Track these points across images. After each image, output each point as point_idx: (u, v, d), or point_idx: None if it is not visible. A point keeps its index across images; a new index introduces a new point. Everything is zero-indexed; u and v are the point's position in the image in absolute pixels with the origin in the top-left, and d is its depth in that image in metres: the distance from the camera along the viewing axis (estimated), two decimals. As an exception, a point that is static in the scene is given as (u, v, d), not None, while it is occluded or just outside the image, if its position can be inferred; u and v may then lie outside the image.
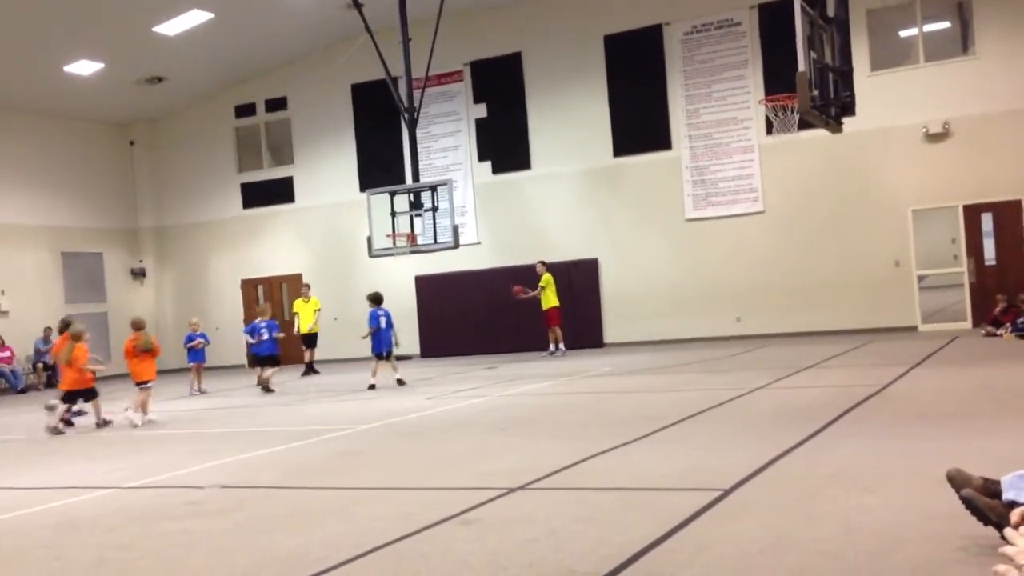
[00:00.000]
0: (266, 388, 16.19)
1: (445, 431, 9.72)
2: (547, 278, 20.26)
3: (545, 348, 20.31)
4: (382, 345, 15.73)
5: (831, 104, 13.05)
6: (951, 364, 12.64)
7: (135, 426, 12.33)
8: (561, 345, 20.12)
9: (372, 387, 15.21)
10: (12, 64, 21.64)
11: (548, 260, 20.77)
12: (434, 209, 18.71)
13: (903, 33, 20.36)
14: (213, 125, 26.36)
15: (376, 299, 16.03)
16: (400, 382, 15.44)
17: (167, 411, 14.63)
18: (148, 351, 13.18)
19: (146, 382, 13.02)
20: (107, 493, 7.45)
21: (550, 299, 20.20)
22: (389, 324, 15.91)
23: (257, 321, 17.01)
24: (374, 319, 15.70)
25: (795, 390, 10.91)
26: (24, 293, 23.89)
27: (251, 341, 17.12)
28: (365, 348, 18.99)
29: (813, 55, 12.41)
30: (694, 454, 7.15)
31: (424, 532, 5.27)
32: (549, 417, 10.23)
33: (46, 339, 23.29)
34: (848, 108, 13.45)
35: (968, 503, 4.16)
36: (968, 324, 18.84)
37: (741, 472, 6.15)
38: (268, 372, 16.33)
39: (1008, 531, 1.98)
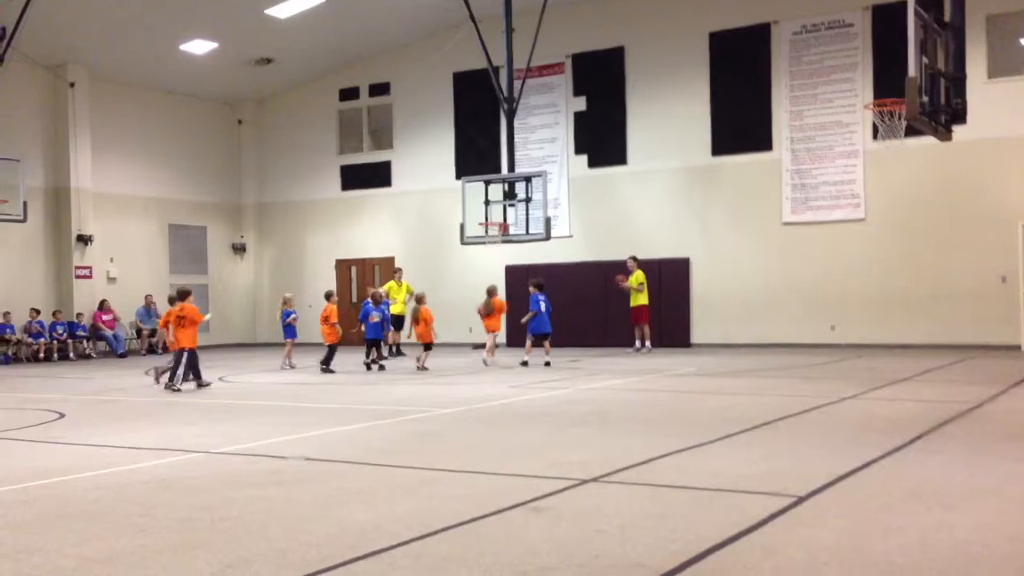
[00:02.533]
0: (377, 364, 17.02)
1: (524, 420, 9.80)
2: (640, 276, 20.12)
3: (631, 345, 20.21)
4: (541, 326, 17.21)
5: (941, 111, 12.64)
6: (1053, 386, 12.14)
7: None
8: (648, 343, 20.00)
9: (525, 363, 16.85)
10: (129, 40, 22.52)
11: (640, 257, 20.63)
12: (528, 200, 18.81)
13: (1024, 40, 19.57)
14: (317, 107, 26.95)
15: (539, 285, 17.68)
16: (547, 364, 16.75)
17: (260, 383, 15.06)
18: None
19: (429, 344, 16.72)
20: (197, 456, 7.75)
21: (640, 296, 20.08)
22: (549, 308, 17.37)
23: (369, 304, 17.40)
24: (535, 303, 17.32)
25: (885, 402, 10.64)
26: (132, 262, 24.88)
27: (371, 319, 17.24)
28: (450, 333, 19.24)
29: (925, 60, 12.03)
30: (772, 459, 7.06)
31: (495, 516, 5.34)
32: (628, 413, 10.21)
33: (147, 307, 24.24)
34: (959, 116, 13.00)
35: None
36: (1076, 346, 18.06)
37: (819, 480, 6.06)
38: (423, 356, 16.78)
39: None
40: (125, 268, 24.67)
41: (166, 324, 14.35)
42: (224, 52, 23.72)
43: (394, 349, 20.18)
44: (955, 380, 12.99)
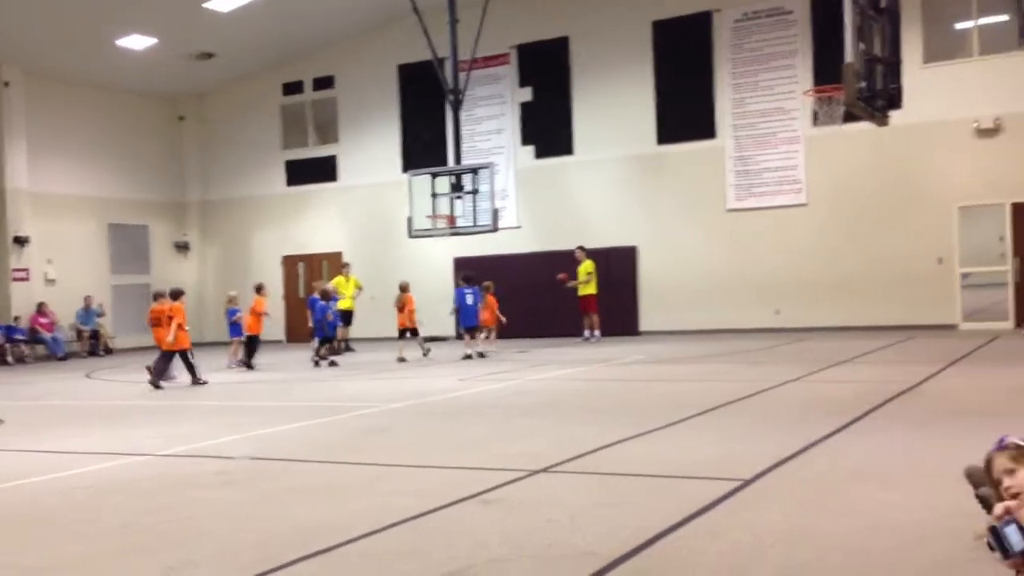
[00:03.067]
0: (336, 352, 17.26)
1: (473, 412, 9.79)
2: (589, 265, 20.15)
3: (580, 334, 20.29)
4: (465, 320, 17.62)
5: (878, 96, 12.88)
6: (989, 364, 12.45)
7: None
8: (596, 332, 20.10)
9: (469, 356, 16.93)
10: (65, 37, 22.00)
11: (587, 246, 20.69)
12: (475, 192, 18.78)
13: (959, 25, 19.96)
14: (260, 102, 26.60)
15: (467, 278, 18.04)
16: (481, 355, 17.09)
17: (206, 383, 14.86)
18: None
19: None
20: (142, 459, 7.62)
21: (589, 286, 20.16)
22: (477, 300, 17.66)
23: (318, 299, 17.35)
24: (459, 297, 17.77)
25: (828, 384, 10.82)
26: (71, 263, 24.35)
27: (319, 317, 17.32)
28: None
29: (862, 46, 12.24)
30: (718, 444, 7.14)
31: (445, 509, 5.33)
32: (577, 402, 10.26)
33: (87, 309, 23.78)
34: (895, 101, 13.30)
35: (984, 501, 4.13)
36: (1010, 324, 18.51)
37: (764, 463, 6.14)
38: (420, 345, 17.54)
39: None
40: (64, 269, 24.15)
41: (157, 322, 14.49)
42: (163, 47, 23.27)
43: (343, 345, 20.02)
44: (895, 360, 13.26)
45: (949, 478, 5.44)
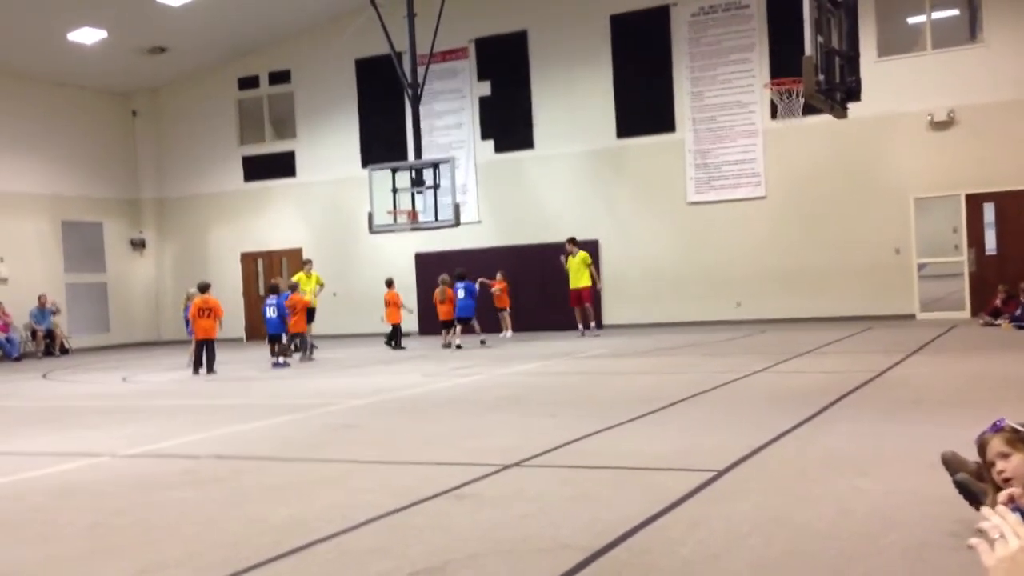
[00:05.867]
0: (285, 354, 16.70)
1: (440, 408, 9.74)
2: (585, 257, 19.59)
3: (550, 328, 20.24)
4: (462, 311, 18.56)
5: (836, 89, 13.00)
6: (949, 352, 12.64)
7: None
8: (592, 323, 19.71)
9: (451, 346, 18.13)
10: (14, 29, 21.50)
11: (548, 240, 20.64)
12: (436, 187, 18.67)
13: (911, 19, 20.25)
14: (215, 97, 26.24)
15: (460, 275, 18.86)
16: (458, 346, 17.98)
17: (164, 383, 14.64)
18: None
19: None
20: (103, 460, 7.46)
21: (584, 277, 19.51)
22: (468, 296, 18.71)
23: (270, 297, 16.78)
24: (459, 291, 18.76)
25: (792, 375, 10.92)
26: (23, 261, 23.84)
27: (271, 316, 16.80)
28: (362, 324, 19.02)
29: (820, 39, 12.34)
30: (688, 435, 7.15)
31: (417, 506, 5.28)
32: (543, 397, 10.24)
33: (41, 308, 23.31)
34: (853, 93, 13.40)
35: (961, 487, 4.17)
36: (967, 314, 18.84)
37: (735, 454, 6.16)
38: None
39: (985, 508, 2.00)
40: (16, 268, 23.64)
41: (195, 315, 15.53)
42: (114, 40, 22.84)
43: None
44: (857, 350, 13.42)
45: (919, 465, 5.50)
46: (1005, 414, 3.83)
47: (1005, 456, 3.50)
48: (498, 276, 20.19)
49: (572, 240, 19.99)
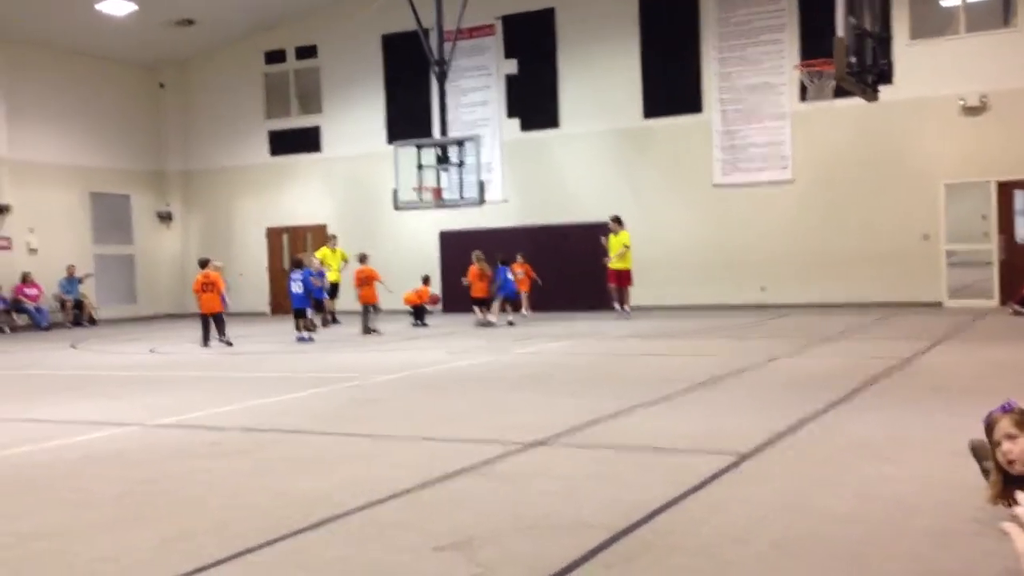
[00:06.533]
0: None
1: (465, 385, 9.78)
2: (625, 238, 18.79)
3: (568, 309, 20.20)
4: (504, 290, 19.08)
5: (868, 71, 12.88)
6: (975, 340, 12.54)
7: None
8: (627, 306, 19.01)
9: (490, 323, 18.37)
10: (43, 1, 21.62)
11: (571, 221, 20.48)
12: (460, 164, 18.67)
13: (944, 2, 19.95)
14: (242, 70, 26.29)
15: (504, 260, 19.43)
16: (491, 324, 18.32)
17: (190, 354, 14.79)
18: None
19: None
20: (130, 429, 7.57)
21: (625, 259, 18.77)
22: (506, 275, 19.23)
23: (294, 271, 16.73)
24: (500, 272, 19.15)
25: (816, 360, 10.88)
26: (52, 233, 24.07)
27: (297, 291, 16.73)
28: (385, 300, 19.10)
29: (852, 20, 12.21)
30: (711, 418, 7.16)
31: (441, 482, 5.32)
32: (568, 376, 10.27)
33: (70, 278, 23.57)
34: (885, 76, 13.32)
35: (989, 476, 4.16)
36: (995, 302, 18.65)
37: (759, 437, 6.16)
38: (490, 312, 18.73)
39: (1020, 494, 2.00)
40: (46, 238, 23.87)
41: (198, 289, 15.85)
42: (143, 13, 22.89)
43: (330, 318, 19.93)
44: (882, 337, 13.34)
45: (943, 452, 5.49)
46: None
47: (1012, 438, 3.50)
48: (519, 259, 20.19)
49: (616, 219, 19.20)
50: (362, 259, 18.79)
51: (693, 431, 6.63)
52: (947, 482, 4.85)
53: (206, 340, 15.59)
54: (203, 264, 16.19)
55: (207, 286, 15.67)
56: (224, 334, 15.56)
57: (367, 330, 17.21)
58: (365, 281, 17.90)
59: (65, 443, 7.01)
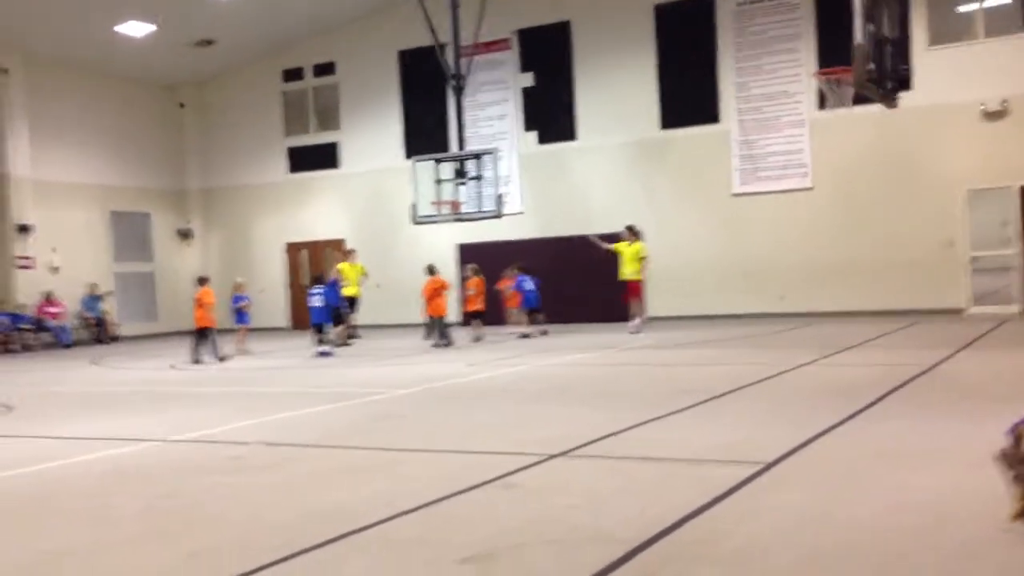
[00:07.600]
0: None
1: (485, 397, 9.75)
2: (641, 249, 18.36)
3: (585, 320, 20.13)
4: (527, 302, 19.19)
5: (887, 78, 12.77)
6: (999, 348, 12.40)
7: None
8: (639, 319, 18.40)
9: (527, 336, 18.38)
10: (64, 23, 21.87)
11: (590, 233, 20.41)
12: (479, 178, 18.70)
13: (963, 8, 19.83)
14: (261, 89, 26.47)
15: (522, 268, 19.42)
16: (535, 335, 18.42)
17: (210, 371, 14.83)
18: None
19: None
20: (153, 445, 7.58)
21: (638, 271, 18.36)
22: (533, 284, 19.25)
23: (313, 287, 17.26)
24: (519, 283, 19.20)
25: (840, 368, 10.79)
26: (74, 251, 24.26)
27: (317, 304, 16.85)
28: (404, 314, 19.08)
29: (871, 27, 12.13)
30: (735, 428, 7.10)
31: (463, 495, 5.29)
32: (588, 388, 10.22)
33: (91, 295, 23.74)
34: (904, 82, 13.20)
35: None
36: (1017, 308, 18.45)
37: (784, 447, 6.10)
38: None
39: None
40: (68, 257, 24.06)
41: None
42: (162, 33, 23.13)
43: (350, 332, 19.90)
44: (905, 345, 13.21)
45: (971, 461, 5.41)
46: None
47: None
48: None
49: (630, 228, 18.84)
50: (431, 271, 18.07)
51: (716, 441, 6.57)
52: (976, 491, 4.77)
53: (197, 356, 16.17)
54: (202, 282, 17.12)
55: (197, 303, 16.52)
56: (197, 352, 16.23)
57: (445, 341, 16.92)
58: (436, 293, 17.45)
59: (87, 459, 7.03)
